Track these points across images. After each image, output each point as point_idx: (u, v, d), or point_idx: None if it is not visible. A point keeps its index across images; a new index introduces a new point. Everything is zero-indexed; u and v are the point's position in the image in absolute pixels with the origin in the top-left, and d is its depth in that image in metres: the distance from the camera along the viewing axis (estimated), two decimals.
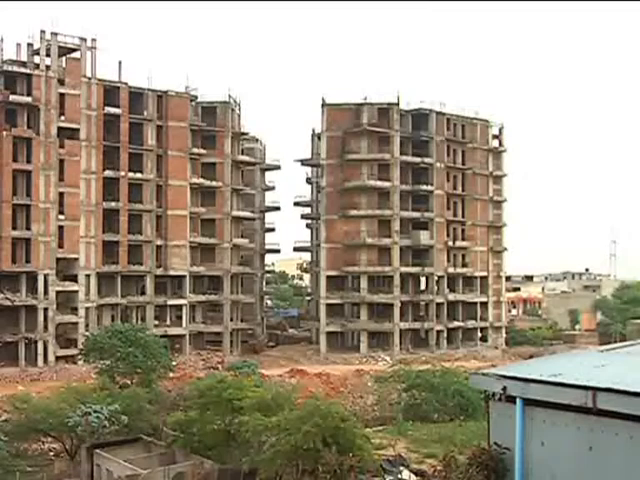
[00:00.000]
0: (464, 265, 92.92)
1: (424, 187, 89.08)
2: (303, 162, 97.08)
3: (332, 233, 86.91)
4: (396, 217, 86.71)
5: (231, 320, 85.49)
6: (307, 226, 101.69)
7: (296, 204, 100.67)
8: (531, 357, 63.84)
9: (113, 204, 77.37)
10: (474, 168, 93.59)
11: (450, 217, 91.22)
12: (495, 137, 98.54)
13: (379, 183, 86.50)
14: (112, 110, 77.11)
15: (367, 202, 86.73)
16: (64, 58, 75.40)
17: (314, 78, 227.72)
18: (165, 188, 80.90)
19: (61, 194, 72.93)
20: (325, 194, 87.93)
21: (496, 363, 68.83)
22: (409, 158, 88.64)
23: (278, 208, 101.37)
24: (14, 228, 70.36)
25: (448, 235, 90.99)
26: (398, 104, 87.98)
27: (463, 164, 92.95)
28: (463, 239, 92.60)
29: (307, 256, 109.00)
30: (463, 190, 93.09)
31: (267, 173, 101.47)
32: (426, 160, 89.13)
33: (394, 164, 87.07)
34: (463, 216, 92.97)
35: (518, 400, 8.61)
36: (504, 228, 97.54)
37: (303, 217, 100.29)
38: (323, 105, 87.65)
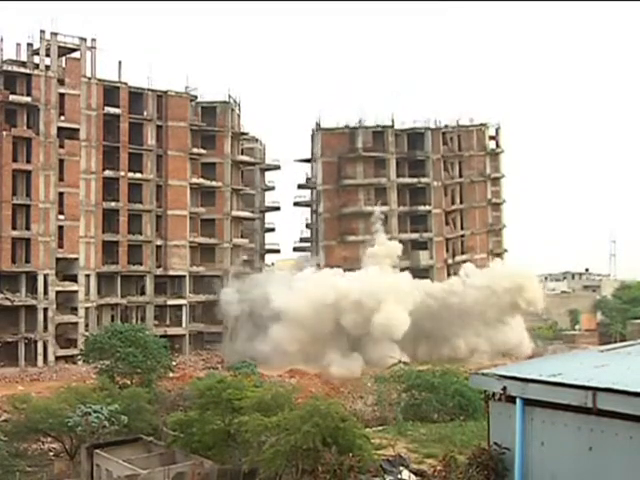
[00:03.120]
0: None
1: (422, 208, 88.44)
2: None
3: (331, 259, 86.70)
4: (395, 240, 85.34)
5: None
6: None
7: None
8: (531, 357, 63.95)
9: (113, 204, 77.36)
10: (471, 176, 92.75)
11: (449, 234, 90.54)
12: (492, 138, 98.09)
13: (376, 208, 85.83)
14: (112, 110, 77.11)
15: (365, 227, 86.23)
16: (64, 58, 75.37)
17: (314, 78, 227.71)
18: (165, 188, 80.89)
19: (61, 194, 72.91)
20: (323, 220, 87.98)
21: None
22: (406, 180, 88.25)
23: (278, 208, 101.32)
24: (14, 228, 70.33)
25: (447, 251, 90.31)
26: (392, 126, 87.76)
27: (460, 175, 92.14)
28: (462, 252, 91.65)
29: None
30: (461, 202, 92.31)
31: (267, 173, 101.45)
32: (423, 180, 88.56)
33: (391, 188, 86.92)
34: (462, 228, 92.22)
35: (518, 400, 8.61)
36: (503, 230, 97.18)
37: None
38: (317, 130, 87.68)
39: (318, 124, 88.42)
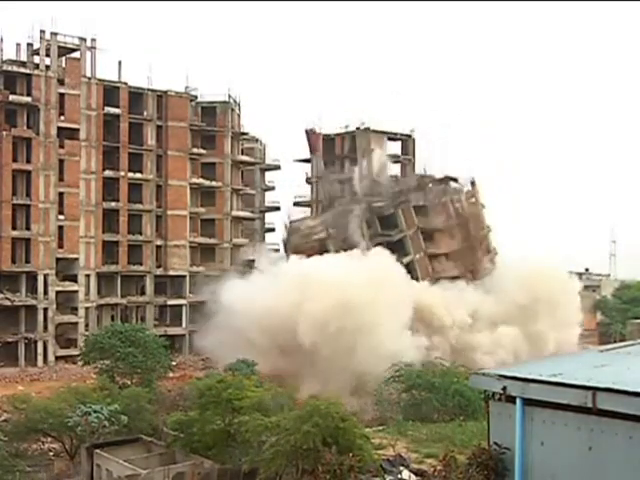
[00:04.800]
0: None
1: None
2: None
3: None
4: None
5: None
6: None
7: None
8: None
9: (113, 204, 77.38)
10: (455, 243, 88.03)
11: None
12: (470, 196, 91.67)
13: None
14: (112, 110, 77.11)
15: None
16: (64, 58, 75.42)
17: (314, 78, 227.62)
18: (165, 188, 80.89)
19: (61, 194, 72.98)
20: None
21: None
22: None
23: (278, 208, 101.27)
24: (14, 228, 70.40)
25: None
26: (366, 211, 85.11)
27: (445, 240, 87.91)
28: None
29: None
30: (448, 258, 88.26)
31: (267, 173, 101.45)
32: (405, 260, 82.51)
33: None
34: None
35: (518, 400, 8.61)
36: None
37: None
38: (288, 228, 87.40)
39: (287, 224, 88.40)
